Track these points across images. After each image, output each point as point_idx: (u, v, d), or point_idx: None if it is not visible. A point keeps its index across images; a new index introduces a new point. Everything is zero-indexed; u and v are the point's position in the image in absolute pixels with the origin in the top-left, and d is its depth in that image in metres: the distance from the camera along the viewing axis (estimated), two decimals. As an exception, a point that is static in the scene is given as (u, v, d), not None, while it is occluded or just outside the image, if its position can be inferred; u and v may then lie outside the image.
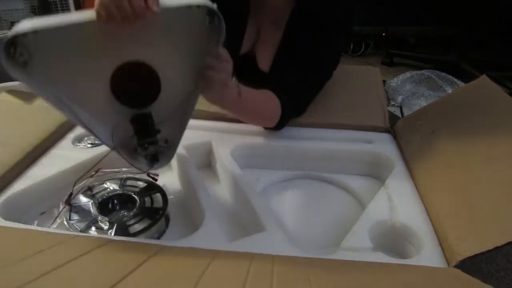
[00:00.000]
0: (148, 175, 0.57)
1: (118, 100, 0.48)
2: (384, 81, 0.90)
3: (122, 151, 0.52)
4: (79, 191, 0.57)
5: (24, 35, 0.39)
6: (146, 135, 0.51)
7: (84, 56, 0.44)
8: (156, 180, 0.58)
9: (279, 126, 0.72)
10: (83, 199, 0.56)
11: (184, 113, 0.54)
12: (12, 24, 1.73)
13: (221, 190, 0.66)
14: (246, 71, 0.83)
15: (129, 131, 0.50)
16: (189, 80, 0.52)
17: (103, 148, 0.66)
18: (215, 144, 0.70)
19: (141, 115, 0.50)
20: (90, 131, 0.49)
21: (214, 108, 0.79)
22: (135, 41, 0.45)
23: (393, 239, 0.53)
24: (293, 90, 0.71)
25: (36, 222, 0.55)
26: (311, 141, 0.73)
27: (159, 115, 0.51)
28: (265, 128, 0.75)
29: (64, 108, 0.46)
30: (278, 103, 0.68)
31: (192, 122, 0.76)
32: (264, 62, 0.80)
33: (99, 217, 0.53)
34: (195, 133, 0.73)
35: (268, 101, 0.69)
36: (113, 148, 0.51)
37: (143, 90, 0.49)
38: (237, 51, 0.80)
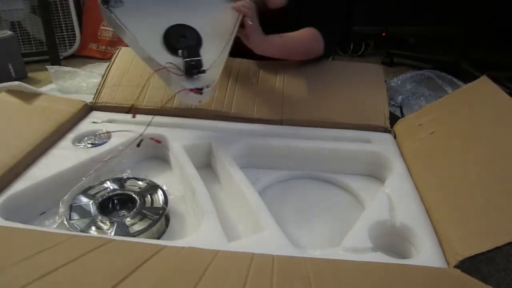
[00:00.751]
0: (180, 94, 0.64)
1: (169, 51, 0.66)
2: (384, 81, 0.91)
3: (166, 78, 0.65)
4: (79, 191, 0.57)
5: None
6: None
7: (146, 20, 0.67)
8: (201, 92, 0.63)
9: (329, 50, 0.85)
10: (83, 199, 0.56)
11: (219, 64, 0.67)
12: (12, 24, 1.73)
13: (221, 190, 0.66)
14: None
15: (179, 68, 0.64)
16: (224, 33, 0.71)
17: (103, 148, 0.66)
18: (215, 144, 0.70)
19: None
20: (147, 61, 0.66)
21: (214, 108, 0.79)
22: (182, 9, 0.71)
23: (393, 239, 0.53)
24: (321, 17, 0.83)
25: (36, 222, 0.55)
26: (311, 141, 0.73)
27: (204, 63, 0.65)
28: (314, 59, 0.86)
29: (134, 47, 0.66)
30: (316, 31, 0.80)
31: (192, 121, 0.77)
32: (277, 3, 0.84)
33: (99, 217, 0.53)
34: (195, 133, 0.73)
35: (306, 32, 0.81)
36: (158, 69, 0.63)
37: (188, 44, 0.66)
38: None
